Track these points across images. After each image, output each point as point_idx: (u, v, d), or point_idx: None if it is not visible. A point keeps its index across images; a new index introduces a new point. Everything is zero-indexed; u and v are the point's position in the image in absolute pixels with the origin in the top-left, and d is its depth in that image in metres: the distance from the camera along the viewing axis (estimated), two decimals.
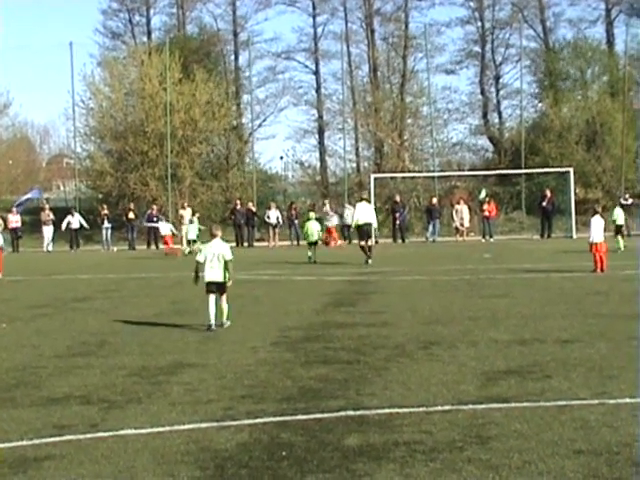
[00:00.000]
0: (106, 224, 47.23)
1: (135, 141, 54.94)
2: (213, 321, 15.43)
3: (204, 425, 8.77)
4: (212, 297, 15.53)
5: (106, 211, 47.90)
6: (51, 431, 8.68)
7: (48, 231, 47.82)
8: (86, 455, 7.83)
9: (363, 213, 29.55)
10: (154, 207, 47.98)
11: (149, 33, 67.58)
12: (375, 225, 32.84)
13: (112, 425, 8.88)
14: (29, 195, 55.32)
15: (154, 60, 55.73)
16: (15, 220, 47.11)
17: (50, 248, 47.12)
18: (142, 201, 51.41)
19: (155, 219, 45.27)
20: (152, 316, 17.38)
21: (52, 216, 48.09)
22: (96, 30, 67.28)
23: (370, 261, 29.43)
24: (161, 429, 8.67)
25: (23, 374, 11.78)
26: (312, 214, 35.44)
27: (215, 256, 15.58)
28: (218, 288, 15.62)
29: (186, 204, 47.80)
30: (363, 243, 29.82)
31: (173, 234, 41.15)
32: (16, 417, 9.33)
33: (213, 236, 15.92)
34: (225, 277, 15.61)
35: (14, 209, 48.61)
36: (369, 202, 31.51)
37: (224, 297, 15.74)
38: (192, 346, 13.79)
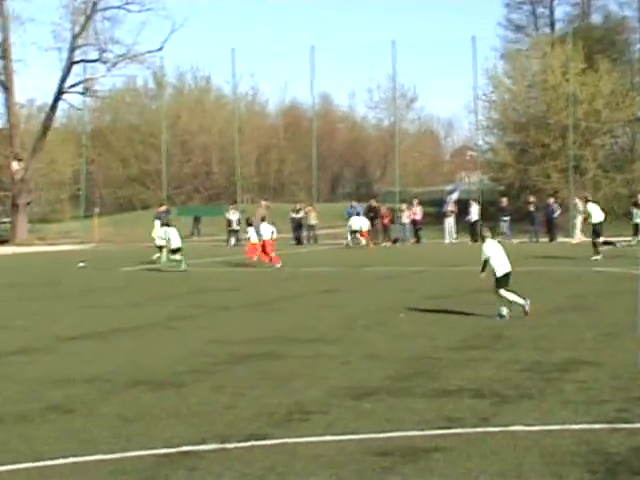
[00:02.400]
0: (504, 217, 47.16)
1: (537, 133, 54.80)
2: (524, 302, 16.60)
3: (596, 426, 8.54)
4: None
5: (505, 203, 47.82)
6: (441, 423, 8.80)
7: (449, 223, 48.47)
8: (474, 449, 7.86)
9: (598, 213, 32.08)
10: (552, 199, 47.34)
11: (552, 24, 67.22)
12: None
13: (502, 420, 8.87)
14: (454, 194, 55.95)
15: (557, 51, 55.25)
16: (416, 212, 48.16)
17: (453, 240, 47.66)
18: (543, 193, 50.95)
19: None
20: (548, 310, 17.19)
21: (454, 208, 48.72)
22: (499, 23, 68.05)
23: (598, 257, 30.50)
24: (551, 427, 8.55)
25: (419, 364, 12.06)
26: None
27: (501, 251, 16.92)
28: (509, 279, 16.71)
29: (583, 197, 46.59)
30: (601, 240, 31.65)
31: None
32: (410, 407, 9.56)
33: (483, 238, 17.46)
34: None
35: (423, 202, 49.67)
36: (596, 203, 33.81)
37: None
38: (587, 343, 13.51)
